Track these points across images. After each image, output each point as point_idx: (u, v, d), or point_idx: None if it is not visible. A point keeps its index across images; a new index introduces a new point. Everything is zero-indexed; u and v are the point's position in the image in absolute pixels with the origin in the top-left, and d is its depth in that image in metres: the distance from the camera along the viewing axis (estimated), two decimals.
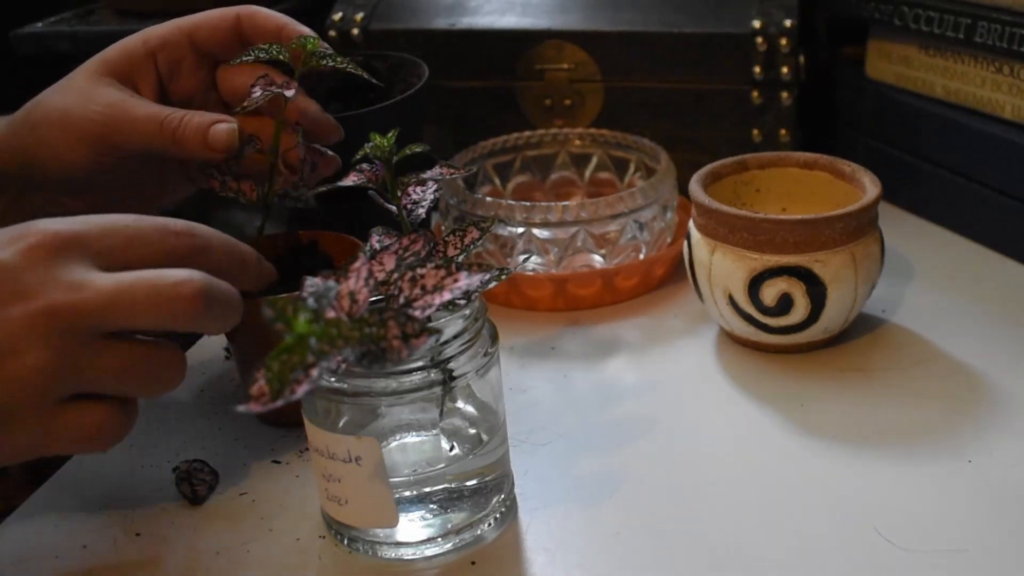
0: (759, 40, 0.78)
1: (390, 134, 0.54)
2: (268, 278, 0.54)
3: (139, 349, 0.46)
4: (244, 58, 0.58)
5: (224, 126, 0.57)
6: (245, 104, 0.57)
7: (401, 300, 0.44)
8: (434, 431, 0.53)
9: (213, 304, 0.46)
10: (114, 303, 0.44)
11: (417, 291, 0.44)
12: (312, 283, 0.42)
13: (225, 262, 0.50)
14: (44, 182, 0.59)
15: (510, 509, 0.53)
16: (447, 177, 0.56)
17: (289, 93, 0.57)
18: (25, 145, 0.58)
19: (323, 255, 0.62)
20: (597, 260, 0.72)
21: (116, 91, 0.58)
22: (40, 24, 0.90)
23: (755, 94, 0.79)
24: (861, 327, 0.67)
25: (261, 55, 0.58)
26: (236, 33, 0.60)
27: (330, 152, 0.61)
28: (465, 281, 0.44)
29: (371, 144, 0.54)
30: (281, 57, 0.58)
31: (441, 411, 0.51)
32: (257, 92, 0.57)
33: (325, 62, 0.58)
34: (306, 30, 0.59)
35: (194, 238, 0.49)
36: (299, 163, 0.59)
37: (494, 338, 0.51)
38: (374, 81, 0.61)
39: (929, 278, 0.72)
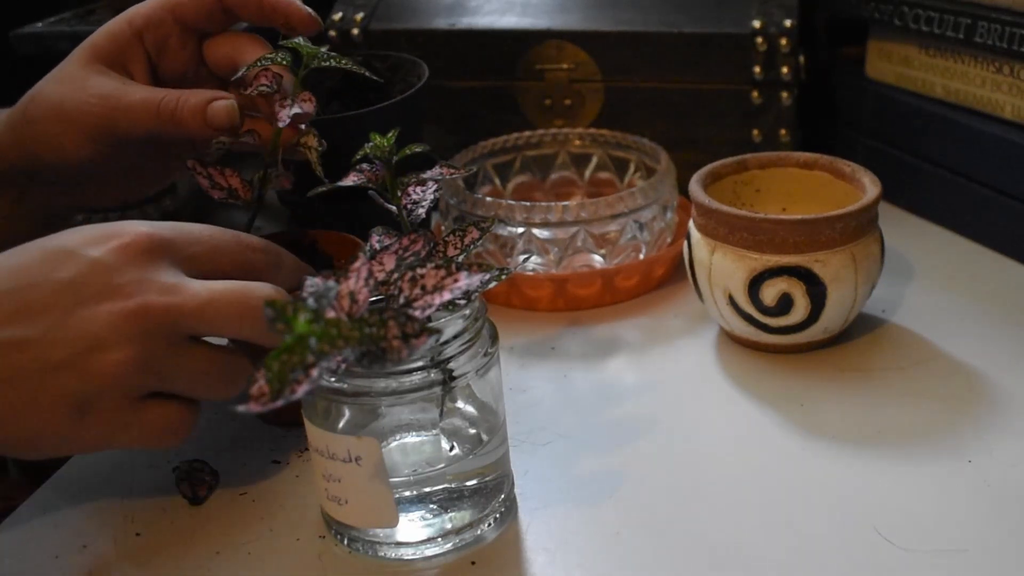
0: (759, 40, 0.78)
1: (390, 134, 0.54)
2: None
3: (216, 355, 0.48)
4: (248, 68, 0.58)
5: (222, 103, 0.56)
6: (245, 88, 0.57)
7: (401, 300, 0.44)
8: (434, 431, 0.53)
9: None
10: (206, 309, 0.47)
11: (417, 291, 0.44)
12: (312, 283, 0.42)
13: (294, 279, 0.53)
14: (47, 176, 0.59)
15: (510, 509, 0.53)
16: (447, 177, 0.56)
17: (308, 108, 0.56)
18: (25, 141, 0.58)
19: (323, 255, 0.62)
20: (597, 260, 0.72)
21: (109, 79, 0.58)
22: (40, 24, 0.90)
23: (755, 94, 0.79)
24: (861, 327, 0.67)
25: (266, 63, 0.57)
26: (218, 5, 0.59)
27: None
28: (465, 281, 0.44)
29: (371, 144, 0.54)
30: (284, 63, 0.57)
31: (441, 411, 0.51)
32: (264, 88, 0.57)
33: (328, 63, 0.58)
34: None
35: (268, 255, 0.52)
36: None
37: (494, 338, 0.51)
38: (374, 78, 0.61)
39: (929, 278, 0.72)
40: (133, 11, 0.60)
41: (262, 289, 0.48)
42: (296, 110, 0.56)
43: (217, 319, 0.47)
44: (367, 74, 0.59)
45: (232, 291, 0.48)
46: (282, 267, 0.53)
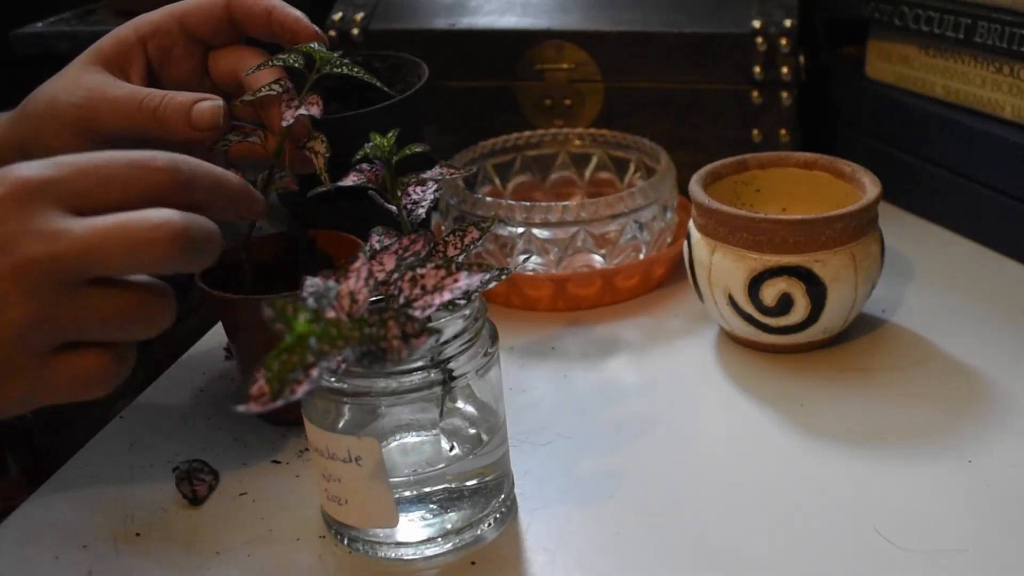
0: (759, 40, 0.78)
1: (390, 134, 0.54)
2: (258, 208, 0.52)
3: (123, 294, 0.44)
4: (259, 67, 0.58)
5: (208, 104, 0.56)
6: (250, 95, 0.57)
7: (401, 300, 0.44)
8: (434, 431, 0.53)
9: (192, 245, 0.44)
10: (90, 250, 0.43)
11: (417, 291, 0.44)
12: (312, 283, 0.42)
13: (211, 196, 0.47)
14: None
15: (510, 509, 0.53)
16: (447, 177, 0.56)
17: (314, 111, 0.56)
18: (22, 137, 0.58)
19: (323, 255, 0.62)
20: (597, 260, 0.72)
21: (100, 76, 0.58)
22: (40, 24, 0.90)
23: (755, 94, 0.79)
24: (861, 327, 0.67)
25: (277, 64, 0.57)
26: (227, 18, 0.60)
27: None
28: (465, 281, 0.44)
29: (371, 144, 0.54)
30: (296, 65, 0.57)
31: (441, 411, 0.51)
32: (272, 91, 0.57)
33: (340, 69, 0.58)
34: (296, 12, 0.59)
35: (176, 173, 0.46)
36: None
37: (494, 338, 0.51)
38: (387, 89, 0.61)
39: (929, 278, 0.72)
40: (142, 18, 0.60)
41: (151, 218, 0.43)
42: (303, 112, 0.56)
43: (104, 258, 0.43)
44: (378, 84, 0.59)
45: (116, 226, 0.43)
46: (195, 185, 0.47)
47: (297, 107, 0.56)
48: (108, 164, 0.45)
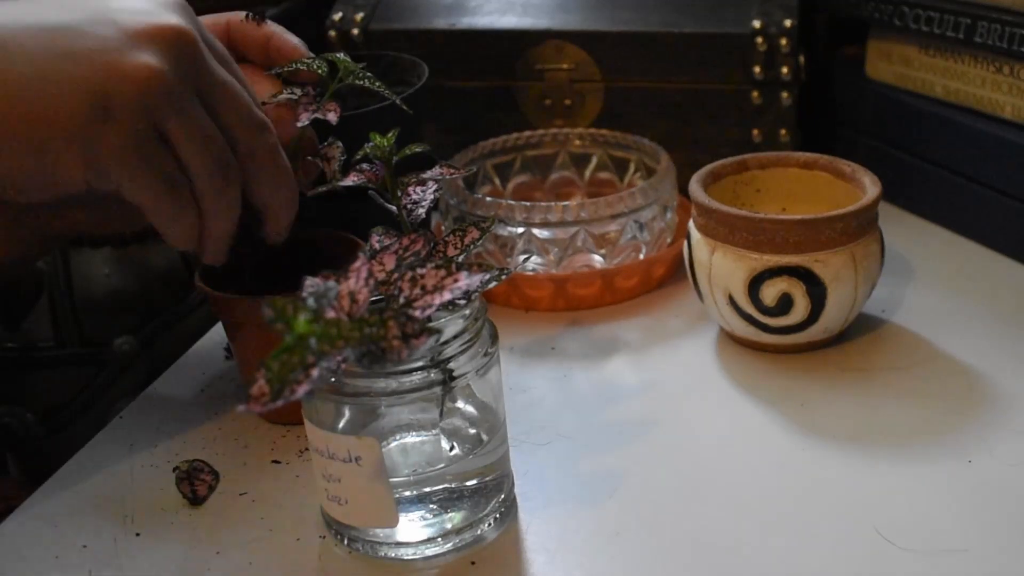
0: (759, 40, 0.78)
1: (390, 134, 0.54)
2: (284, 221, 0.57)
3: (220, 137, 0.50)
4: (284, 69, 0.58)
5: None
6: (269, 97, 0.57)
7: (401, 300, 0.44)
8: (434, 431, 0.53)
9: (279, 165, 0.53)
10: (231, 87, 0.50)
11: (417, 291, 0.44)
12: (312, 283, 0.42)
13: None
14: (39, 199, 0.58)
15: (510, 509, 0.53)
16: (447, 177, 0.56)
17: (331, 117, 0.57)
18: None
19: (323, 255, 0.62)
20: (597, 260, 0.72)
21: None
22: None
23: (755, 94, 0.79)
24: (861, 327, 0.67)
25: (302, 67, 0.57)
26: (225, 41, 0.59)
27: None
28: (465, 281, 0.44)
29: (371, 144, 0.54)
30: (320, 72, 0.58)
31: (441, 411, 0.51)
32: (287, 95, 0.57)
33: (363, 82, 0.58)
34: (293, 39, 0.59)
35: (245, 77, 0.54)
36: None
37: (494, 338, 0.51)
38: (405, 107, 0.60)
39: (929, 278, 0.72)
40: None
41: (264, 116, 0.52)
42: (318, 116, 0.56)
43: (231, 102, 0.50)
44: (399, 102, 0.59)
45: (247, 96, 0.51)
46: (270, 131, 0.54)
47: (314, 111, 0.56)
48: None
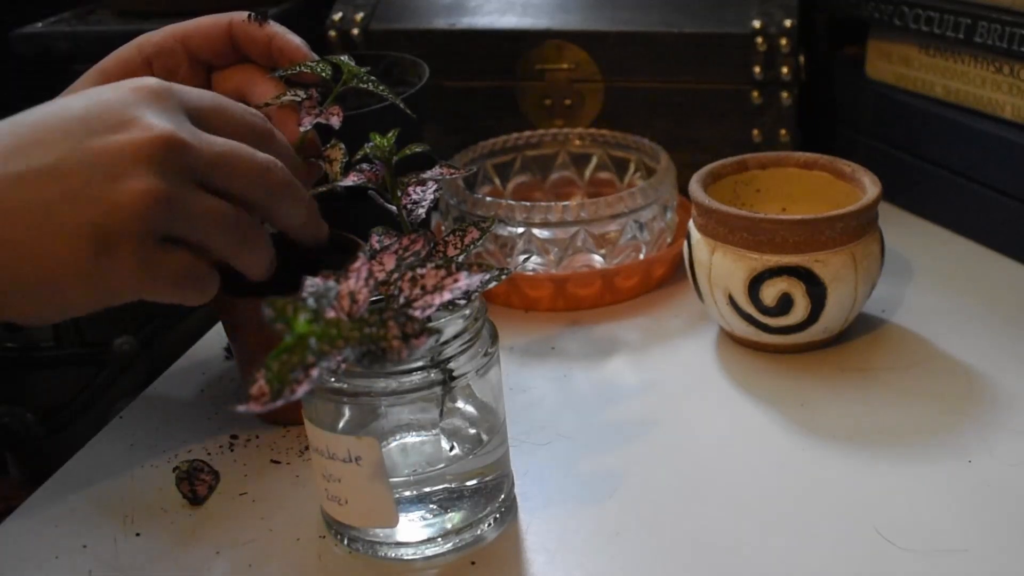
0: (759, 40, 0.78)
1: (390, 134, 0.54)
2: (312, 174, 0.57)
3: (228, 207, 0.48)
4: (287, 71, 0.58)
5: None
6: (274, 99, 0.57)
7: (401, 300, 0.44)
8: (434, 431, 0.53)
9: (294, 191, 0.51)
10: (224, 157, 0.48)
11: (417, 291, 0.44)
12: (312, 283, 0.42)
13: (285, 151, 0.54)
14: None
15: (510, 509, 0.53)
16: (447, 177, 0.56)
17: (334, 121, 0.57)
18: None
19: (323, 255, 0.62)
20: (597, 260, 0.72)
21: None
22: (40, 24, 0.90)
23: (755, 94, 0.79)
24: (861, 327, 0.67)
25: (305, 70, 0.57)
26: (228, 40, 0.59)
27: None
28: (465, 281, 0.44)
29: (371, 144, 0.54)
30: (324, 75, 0.57)
31: (441, 411, 0.51)
32: (290, 96, 0.57)
33: (367, 85, 0.58)
34: (296, 39, 0.59)
35: (267, 123, 0.53)
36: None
37: (494, 338, 0.51)
38: (409, 112, 0.60)
39: (929, 278, 0.72)
40: (144, 38, 0.59)
41: (266, 156, 0.50)
42: (321, 120, 0.56)
43: (232, 170, 0.48)
44: (403, 107, 0.59)
45: (242, 148, 0.49)
46: (275, 141, 0.53)
47: (318, 115, 0.56)
48: (219, 97, 0.51)
